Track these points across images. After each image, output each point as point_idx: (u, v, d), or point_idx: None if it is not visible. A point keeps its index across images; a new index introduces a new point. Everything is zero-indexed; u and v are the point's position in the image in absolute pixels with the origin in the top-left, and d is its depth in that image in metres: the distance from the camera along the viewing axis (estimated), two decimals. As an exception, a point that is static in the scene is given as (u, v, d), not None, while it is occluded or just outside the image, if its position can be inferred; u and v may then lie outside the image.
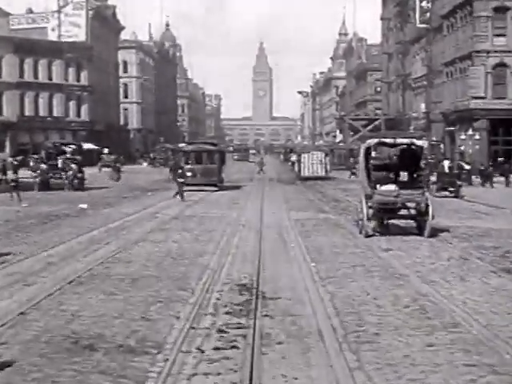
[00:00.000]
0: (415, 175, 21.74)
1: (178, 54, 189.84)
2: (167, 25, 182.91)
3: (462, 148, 62.14)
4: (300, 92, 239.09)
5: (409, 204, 21.12)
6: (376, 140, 21.84)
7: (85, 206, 30.17)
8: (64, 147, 42.55)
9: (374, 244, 18.35)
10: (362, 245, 18.16)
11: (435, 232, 20.98)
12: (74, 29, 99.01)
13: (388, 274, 13.42)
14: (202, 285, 12.17)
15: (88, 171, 70.73)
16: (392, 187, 21.05)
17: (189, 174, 40.54)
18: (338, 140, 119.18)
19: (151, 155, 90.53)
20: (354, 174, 65.09)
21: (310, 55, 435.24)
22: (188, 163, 42.73)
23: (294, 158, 73.67)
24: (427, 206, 20.52)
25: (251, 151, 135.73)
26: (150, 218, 25.71)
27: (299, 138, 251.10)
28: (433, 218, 20.59)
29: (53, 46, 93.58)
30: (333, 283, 12.41)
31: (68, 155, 41.10)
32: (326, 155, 65.85)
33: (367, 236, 19.87)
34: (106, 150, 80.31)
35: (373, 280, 12.77)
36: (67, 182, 39.76)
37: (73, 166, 40.24)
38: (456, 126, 67.10)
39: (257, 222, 23.44)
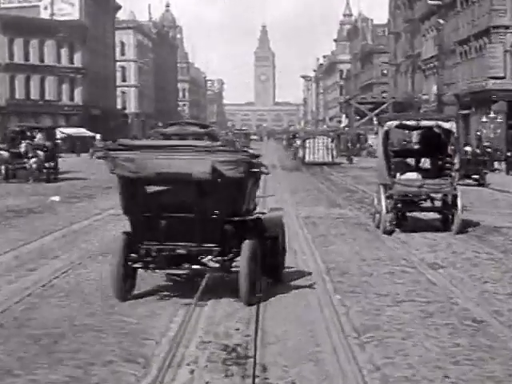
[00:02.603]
0: (440, 162, 18.40)
1: (178, 36, 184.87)
2: (167, 5, 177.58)
3: (479, 133, 57.77)
4: (303, 76, 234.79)
5: (434, 195, 18.02)
6: (396, 122, 18.30)
7: (57, 198, 25.73)
8: (32, 132, 36.13)
9: (414, 256, 13.75)
10: (398, 257, 13.55)
11: (484, 235, 16.70)
12: (68, 7, 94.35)
13: (457, 320, 8.71)
14: (165, 346, 7.58)
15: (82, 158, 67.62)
16: (414, 176, 18.00)
17: None
18: (343, 124, 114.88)
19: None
20: (350, 160, 61.39)
21: (313, 39, 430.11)
22: None
23: (297, 143, 69.45)
24: (455, 197, 17.32)
25: (252, 137, 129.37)
26: (129, 215, 21.16)
27: (302, 123, 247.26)
28: (462, 211, 17.38)
29: (44, 25, 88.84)
30: (377, 343, 7.70)
31: (38, 140, 34.84)
32: (332, 140, 62.37)
33: (386, 232, 16.73)
34: (98, 136, 75.64)
35: (439, 335, 8.02)
36: (30, 171, 33.40)
37: (39, 152, 33.81)
38: (471, 109, 62.78)
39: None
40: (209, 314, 9.09)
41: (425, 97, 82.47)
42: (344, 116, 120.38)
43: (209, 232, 9.80)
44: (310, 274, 11.81)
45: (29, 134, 35.65)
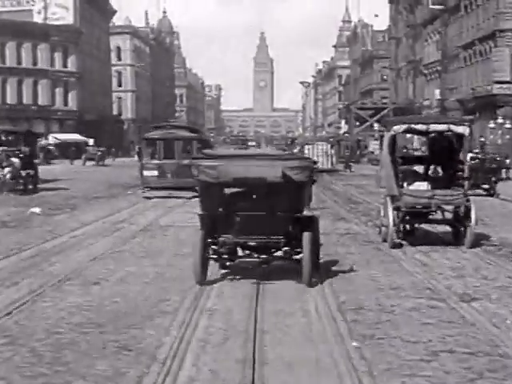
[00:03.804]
0: (451, 171, 16.78)
1: (176, 42, 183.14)
2: (164, 11, 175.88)
3: (483, 139, 55.70)
4: (302, 82, 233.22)
5: (445, 206, 16.33)
6: (404, 126, 16.57)
7: (37, 210, 23.59)
8: (7, 136, 32.35)
9: (439, 283, 11.55)
10: (421, 285, 11.36)
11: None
12: (62, 11, 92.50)
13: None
14: None
15: (75, 164, 65.32)
16: (423, 185, 16.39)
17: (154, 173, 29.59)
18: (342, 131, 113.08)
19: (137, 147, 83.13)
20: (349, 167, 59.17)
21: (312, 46, 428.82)
22: (154, 157, 30.56)
23: (296, 149, 67.39)
24: (469, 209, 15.61)
25: (250, 143, 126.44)
26: (112, 229, 18.98)
27: (301, 129, 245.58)
28: (476, 224, 15.84)
29: (37, 29, 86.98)
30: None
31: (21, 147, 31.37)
32: (332, 146, 60.37)
33: (394, 246, 15.18)
34: (91, 142, 73.44)
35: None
36: (3, 181, 29.14)
37: (14, 160, 29.69)
38: (475, 115, 60.82)
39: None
40: (189, 375, 6.93)
41: (426, 102, 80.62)
42: (343, 122, 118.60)
43: (277, 226, 11.44)
44: (316, 309, 9.67)
45: (3, 138, 32.17)
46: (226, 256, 11.73)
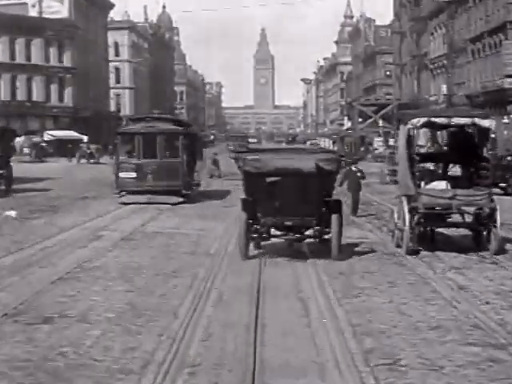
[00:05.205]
0: (473, 168, 15.44)
1: (175, 38, 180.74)
2: (164, 6, 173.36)
3: (494, 135, 53.23)
4: (303, 79, 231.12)
5: (466, 208, 14.89)
6: (423, 119, 15.08)
7: (13, 213, 21.21)
8: None
9: (487, 316, 8.99)
10: (467, 320, 8.81)
11: None
12: (57, 5, 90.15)
13: None
14: None
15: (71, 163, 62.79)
16: (442, 185, 15.02)
17: (132, 174, 25.63)
18: (345, 127, 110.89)
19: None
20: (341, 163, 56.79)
21: (313, 42, 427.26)
22: (132, 155, 26.52)
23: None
24: (493, 211, 14.13)
25: (251, 140, 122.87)
26: (90, 237, 16.47)
27: (302, 126, 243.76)
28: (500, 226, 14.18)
29: (31, 23, 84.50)
30: None
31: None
32: (334, 143, 58.34)
33: (409, 252, 13.67)
34: (85, 139, 70.85)
35: None
36: None
37: None
38: (484, 110, 58.47)
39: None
40: None
41: (433, 98, 78.28)
42: (346, 118, 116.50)
43: (310, 209, 13.33)
44: (337, 364, 7.13)
45: None
46: (264, 235, 13.61)
